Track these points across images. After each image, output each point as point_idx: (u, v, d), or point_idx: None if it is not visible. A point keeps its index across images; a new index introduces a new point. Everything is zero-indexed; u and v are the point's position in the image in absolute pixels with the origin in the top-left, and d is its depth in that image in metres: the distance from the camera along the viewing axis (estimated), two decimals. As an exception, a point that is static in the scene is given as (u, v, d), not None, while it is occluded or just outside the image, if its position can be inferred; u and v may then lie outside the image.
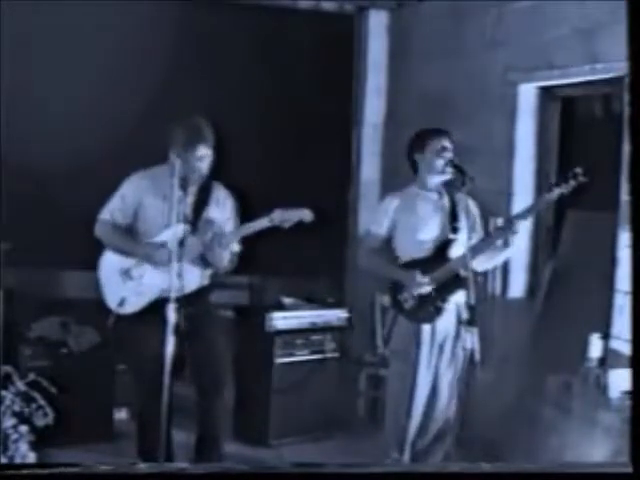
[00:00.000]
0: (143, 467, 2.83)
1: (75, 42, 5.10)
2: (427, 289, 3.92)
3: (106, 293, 4.01)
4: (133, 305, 3.94)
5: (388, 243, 4.10)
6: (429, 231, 3.99)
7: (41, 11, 4.97)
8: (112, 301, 3.98)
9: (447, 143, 3.97)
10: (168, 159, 3.94)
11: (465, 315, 3.66)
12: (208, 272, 4.10)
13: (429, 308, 3.96)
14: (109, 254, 4.03)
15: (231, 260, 3.98)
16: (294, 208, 3.80)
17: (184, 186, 3.82)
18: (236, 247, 3.96)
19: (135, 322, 3.94)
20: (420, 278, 3.91)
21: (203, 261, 4.02)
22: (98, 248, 4.05)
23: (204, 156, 3.89)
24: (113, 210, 3.98)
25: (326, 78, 5.73)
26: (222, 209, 4.07)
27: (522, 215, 3.87)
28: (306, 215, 3.81)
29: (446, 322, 3.98)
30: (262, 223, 3.82)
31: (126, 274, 3.96)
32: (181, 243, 3.83)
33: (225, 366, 4.12)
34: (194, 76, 5.39)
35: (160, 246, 3.87)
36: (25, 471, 2.74)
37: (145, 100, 5.12)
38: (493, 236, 3.95)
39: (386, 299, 4.16)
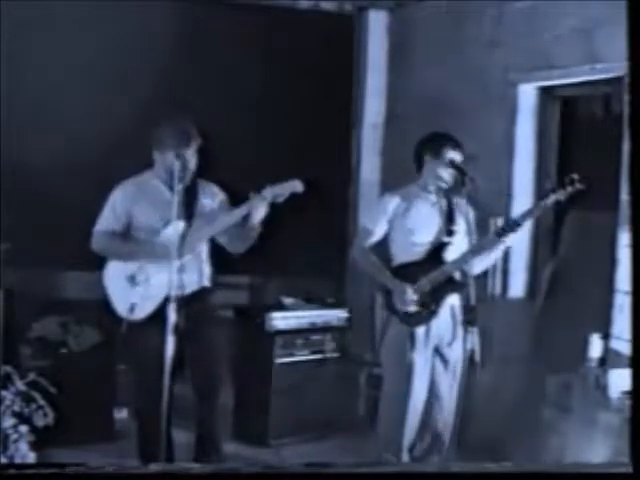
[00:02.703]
0: (153, 467, 2.84)
1: (74, 42, 5.10)
2: (416, 307, 3.91)
3: (114, 301, 4.01)
4: (143, 310, 3.94)
5: (383, 243, 4.09)
6: (425, 234, 3.97)
7: (41, 10, 4.97)
8: (122, 308, 3.98)
9: (461, 156, 3.95)
10: (154, 163, 3.97)
11: (463, 315, 3.65)
12: (208, 273, 4.11)
13: (423, 311, 3.94)
14: (112, 262, 4.03)
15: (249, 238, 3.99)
16: (284, 182, 3.81)
17: (172, 186, 3.81)
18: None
19: (145, 326, 3.94)
20: (410, 295, 3.88)
21: (204, 262, 4.05)
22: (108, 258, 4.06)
23: (190, 157, 3.89)
24: (107, 220, 3.99)
25: (326, 78, 5.73)
26: (213, 201, 4.08)
27: (517, 221, 3.85)
28: (297, 186, 3.81)
29: (441, 324, 3.97)
30: (257, 201, 3.81)
31: (132, 279, 3.96)
32: (181, 239, 3.84)
33: (222, 366, 4.12)
34: (193, 76, 5.39)
35: (160, 241, 3.87)
36: (25, 471, 2.74)
37: (145, 100, 5.13)
38: (486, 241, 3.93)
39: (380, 300, 4.15)
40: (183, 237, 3.86)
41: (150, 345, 3.81)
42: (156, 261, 3.88)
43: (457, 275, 3.89)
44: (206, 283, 4.10)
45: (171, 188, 3.84)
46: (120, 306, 3.99)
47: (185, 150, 3.85)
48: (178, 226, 3.84)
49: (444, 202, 4.03)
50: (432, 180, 3.99)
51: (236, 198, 4.16)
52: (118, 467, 2.67)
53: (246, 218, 3.89)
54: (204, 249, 4.08)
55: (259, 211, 3.85)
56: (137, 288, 3.95)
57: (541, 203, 3.78)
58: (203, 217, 4.02)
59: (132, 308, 3.93)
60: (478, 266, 3.99)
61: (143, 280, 3.95)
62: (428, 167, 4.01)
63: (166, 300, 3.71)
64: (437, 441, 4.06)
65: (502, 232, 3.82)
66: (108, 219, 3.99)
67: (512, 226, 3.80)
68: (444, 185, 3.97)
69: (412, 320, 3.94)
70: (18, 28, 4.92)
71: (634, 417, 2.90)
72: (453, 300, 3.94)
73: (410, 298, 3.88)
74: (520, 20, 4.75)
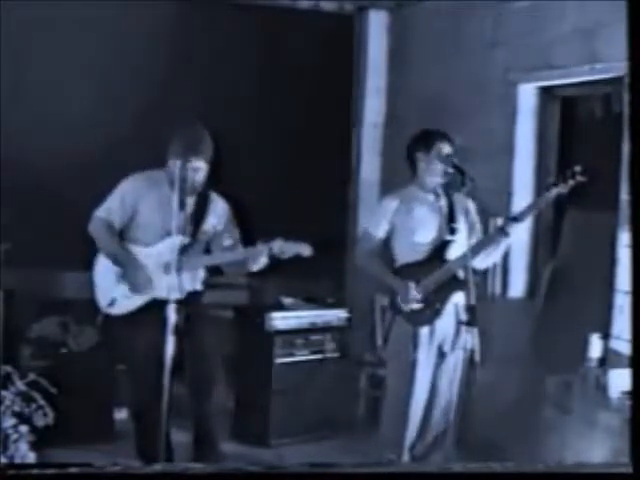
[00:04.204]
0: (153, 467, 2.84)
1: (74, 42, 5.10)
2: (418, 306, 3.91)
3: (98, 291, 4.01)
4: (122, 307, 3.95)
5: (385, 245, 4.09)
6: (426, 233, 3.97)
7: (41, 10, 4.97)
8: (103, 300, 3.99)
9: (451, 148, 3.95)
10: (166, 166, 3.93)
11: (465, 315, 3.66)
12: (202, 276, 4.12)
13: (427, 310, 3.95)
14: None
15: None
16: (294, 242, 3.79)
17: (181, 197, 3.74)
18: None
19: (125, 322, 3.96)
20: (414, 293, 3.89)
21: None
22: (97, 248, 4.06)
23: (199, 168, 3.86)
24: (111, 209, 3.96)
25: (326, 78, 5.73)
26: (220, 220, 4.07)
27: (521, 215, 3.85)
28: (305, 250, 3.79)
29: (445, 323, 3.97)
30: (261, 251, 3.80)
31: (121, 276, 3.96)
32: (179, 254, 3.80)
33: (216, 366, 4.09)
34: (193, 76, 5.40)
35: (143, 271, 3.88)
36: (25, 471, 2.74)
37: (145, 101, 5.13)
38: (490, 237, 3.94)
39: (385, 300, 4.14)
40: (181, 254, 3.82)
41: (141, 344, 3.85)
42: (135, 285, 3.89)
43: (461, 273, 3.89)
44: (199, 287, 4.10)
45: (181, 198, 3.75)
46: (102, 298, 4.00)
47: (194, 163, 3.82)
48: (176, 241, 3.77)
49: (444, 200, 4.03)
50: (428, 178, 4.00)
51: (238, 202, 4.16)
52: (118, 467, 2.67)
53: (246, 259, 3.89)
54: None
55: (260, 261, 3.84)
56: (123, 285, 3.94)
57: (543, 197, 3.78)
58: (205, 238, 4.02)
59: (112, 302, 3.95)
60: (483, 262, 3.99)
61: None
62: (421, 166, 4.01)
63: (155, 301, 3.79)
64: (437, 440, 4.06)
65: (505, 227, 3.81)
66: (113, 208, 3.95)
67: (514, 221, 3.80)
68: (440, 181, 3.97)
69: (417, 319, 3.94)
70: (18, 28, 4.92)
71: (634, 417, 2.90)
72: (457, 299, 3.94)
73: (413, 295, 3.88)
74: (520, 20, 4.74)
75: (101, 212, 3.97)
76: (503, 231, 3.82)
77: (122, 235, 4.00)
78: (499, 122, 4.91)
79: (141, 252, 3.95)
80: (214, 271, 4.17)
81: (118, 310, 3.96)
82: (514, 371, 4.56)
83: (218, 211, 4.07)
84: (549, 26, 4.51)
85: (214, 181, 4.04)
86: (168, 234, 3.79)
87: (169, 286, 3.58)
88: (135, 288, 3.90)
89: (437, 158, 3.92)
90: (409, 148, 4.06)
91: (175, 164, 3.79)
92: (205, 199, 4.02)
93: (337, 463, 3.13)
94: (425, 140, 4.00)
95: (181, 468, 2.81)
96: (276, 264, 3.89)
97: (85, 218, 4.03)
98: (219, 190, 4.12)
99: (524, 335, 4.67)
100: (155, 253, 3.92)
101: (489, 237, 3.95)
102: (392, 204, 4.04)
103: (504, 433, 4.35)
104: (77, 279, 5.10)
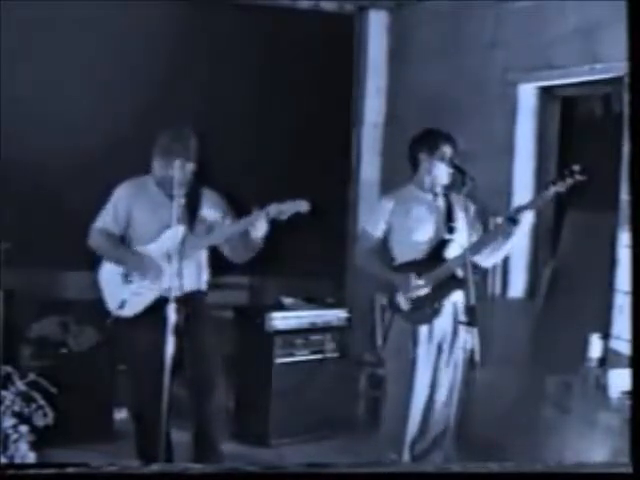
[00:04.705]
0: (152, 467, 2.84)
1: (74, 42, 5.10)
2: (424, 291, 3.92)
3: (106, 295, 4.03)
4: (133, 307, 3.96)
5: (384, 244, 4.09)
6: (424, 232, 3.98)
7: (41, 10, 4.96)
8: (112, 303, 4.00)
9: (454, 151, 3.95)
10: (152, 168, 3.97)
11: (465, 315, 3.66)
12: (206, 277, 4.13)
13: (426, 309, 3.95)
14: None
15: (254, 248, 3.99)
16: (290, 200, 3.80)
17: (170, 193, 3.78)
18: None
19: (134, 323, 3.96)
20: (415, 281, 3.89)
21: (203, 266, 4.09)
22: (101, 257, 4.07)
23: (182, 167, 3.85)
24: (106, 219, 4.01)
25: (326, 78, 5.73)
26: (216, 209, 4.08)
27: (518, 212, 3.82)
28: (302, 206, 3.81)
29: (444, 322, 3.97)
30: (258, 216, 3.82)
31: (126, 276, 3.98)
32: (181, 244, 3.83)
33: (216, 367, 4.09)
34: (193, 76, 5.39)
35: (150, 259, 3.92)
36: (25, 471, 2.74)
37: (144, 101, 5.13)
38: (490, 234, 3.94)
39: (385, 299, 4.14)
40: (182, 243, 3.86)
41: (148, 345, 3.82)
42: (143, 274, 3.91)
43: (460, 272, 3.89)
44: (203, 287, 4.12)
45: (169, 196, 3.83)
46: (111, 301, 4.01)
47: (181, 158, 3.83)
48: (178, 231, 3.84)
49: (442, 199, 4.03)
50: (428, 178, 4.00)
51: (237, 202, 4.16)
52: (118, 467, 2.67)
53: (248, 231, 3.89)
54: (203, 254, 4.10)
55: (259, 227, 3.84)
56: (130, 285, 3.97)
57: (541, 195, 3.78)
58: (204, 226, 4.04)
59: (122, 304, 3.96)
60: (488, 259, 3.98)
61: (137, 279, 3.96)
62: (424, 165, 4.01)
63: (162, 300, 3.75)
64: (437, 440, 4.06)
65: (504, 224, 3.80)
66: (107, 218, 4.01)
67: (512, 219, 3.79)
68: (440, 181, 3.97)
69: (416, 318, 3.95)
70: (18, 28, 4.92)
71: (634, 417, 2.90)
72: (456, 297, 3.95)
73: (414, 283, 3.88)
74: (520, 20, 4.75)
75: (97, 223, 4.03)
76: (501, 227, 3.81)
77: (123, 240, 4.04)
78: (499, 122, 4.91)
79: (144, 250, 3.97)
80: (218, 268, 4.18)
81: (129, 311, 3.97)
82: (514, 371, 4.56)
83: (213, 202, 4.09)
84: (549, 26, 4.51)
85: (204, 178, 4.05)
86: (167, 227, 3.84)
87: (171, 274, 3.61)
88: (146, 276, 3.92)
89: (440, 159, 3.92)
90: (412, 147, 4.05)
91: (159, 165, 3.89)
92: (197, 192, 4.04)
93: (337, 463, 3.13)
94: (428, 141, 3.99)
95: (181, 468, 2.82)
96: (278, 234, 3.89)
97: (85, 218, 4.04)
98: (216, 188, 4.13)
99: (524, 335, 4.67)
100: (157, 247, 3.94)
101: (489, 235, 3.95)
102: (389, 204, 4.05)
103: (504, 433, 4.35)
104: (77, 279, 5.12)
